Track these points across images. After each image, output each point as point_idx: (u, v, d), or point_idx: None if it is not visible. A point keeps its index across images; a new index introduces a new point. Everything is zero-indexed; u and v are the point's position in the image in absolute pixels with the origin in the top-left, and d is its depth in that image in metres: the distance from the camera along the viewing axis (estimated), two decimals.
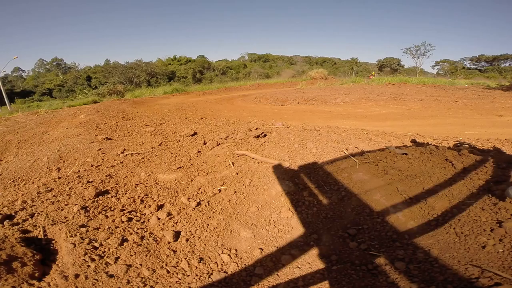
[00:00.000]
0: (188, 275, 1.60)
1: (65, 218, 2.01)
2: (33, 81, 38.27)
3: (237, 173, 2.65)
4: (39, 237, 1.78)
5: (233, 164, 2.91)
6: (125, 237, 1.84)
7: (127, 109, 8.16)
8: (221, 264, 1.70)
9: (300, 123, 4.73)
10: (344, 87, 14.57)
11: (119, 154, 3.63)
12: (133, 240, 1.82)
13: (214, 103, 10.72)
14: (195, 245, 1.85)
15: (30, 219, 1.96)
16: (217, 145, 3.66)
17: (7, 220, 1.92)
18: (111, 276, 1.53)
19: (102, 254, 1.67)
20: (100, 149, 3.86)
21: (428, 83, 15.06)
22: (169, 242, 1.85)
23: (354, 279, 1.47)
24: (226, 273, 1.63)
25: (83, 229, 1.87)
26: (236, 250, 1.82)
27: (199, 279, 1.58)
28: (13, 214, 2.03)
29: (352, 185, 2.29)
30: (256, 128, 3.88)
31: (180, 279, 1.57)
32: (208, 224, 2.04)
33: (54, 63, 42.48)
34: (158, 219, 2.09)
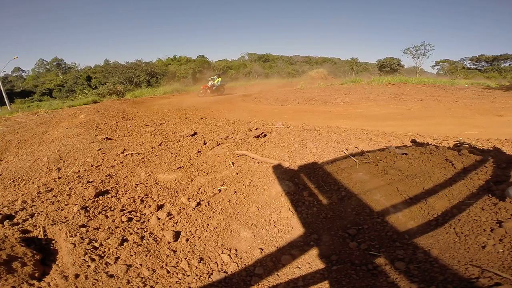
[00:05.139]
0: (188, 275, 1.60)
1: (65, 218, 2.01)
2: (33, 81, 38.28)
3: (237, 173, 2.65)
4: (39, 237, 1.78)
5: (233, 164, 2.92)
6: (125, 237, 1.84)
7: (127, 109, 8.16)
8: (221, 264, 1.70)
9: (300, 123, 4.73)
10: (344, 87, 14.56)
11: (119, 154, 3.63)
12: (133, 240, 1.82)
13: (214, 103, 10.71)
14: (195, 245, 1.85)
15: (30, 219, 1.96)
16: (217, 145, 3.66)
17: (7, 220, 1.92)
18: (111, 276, 1.53)
19: (102, 254, 1.67)
20: (100, 149, 3.85)
21: (428, 83, 15.02)
22: (169, 242, 1.85)
23: (354, 279, 1.47)
24: (226, 273, 1.63)
25: (83, 229, 1.87)
26: (236, 250, 1.82)
27: (199, 279, 1.58)
28: (13, 214, 2.03)
29: (352, 185, 2.29)
30: (256, 128, 3.88)
31: (180, 279, 1.57)
32: (208, 224, 2.04)
33: (54, 63, 42.49)
34: (158, 219, 2.09)
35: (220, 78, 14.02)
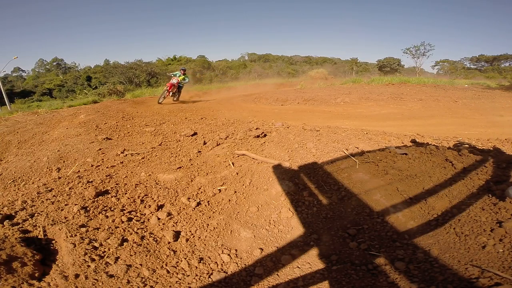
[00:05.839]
0: (188, 275, 1.60)
1: (65, 218, 2.01)
2: (33, 81, 38.32)
3: (237, 173, 2.65)
4: (39, 237, 1.78)
5: (233, 164, 2.92)
6: (125, 237, 1.84)
7: (127, 109, 8.15)
8: (221, 264, 1.70)
9: (300, 123, 4.73)
10: (344, 87, 14.56)
11: (119, 154, 3.63)
12: (133, 240, 1.82)
13: (214, 103, 10.71)
14: (195, 245, 1.85)
15: (30, 219, 1.96)
16: (217, 145, 3.66)
17: (7, 220, 1.92)
18: (111, 276, 1.53)
19: (102, 254, 1.67)
20: (100, 149, 3.85)
21: (428, 83, 15.03)
22: (169, 242, 1.85)
23: (354, 279, 1.47)
24: (226, 273, 1.63)
25: (83, 229, 1.87)
26: (236, 250, 1.82)
27: (199, 279, 1.58)
28: (13, 214, 2.03)
29: (352, 185, 2.29)
30: (256, 128, 3.88)
31: (180, 279, 1.57)
32: (208, 224, 2.04)
33: (54, 63, 42.51)
34: (158, 219, 2.09)
35: (186, 77, 10.40)
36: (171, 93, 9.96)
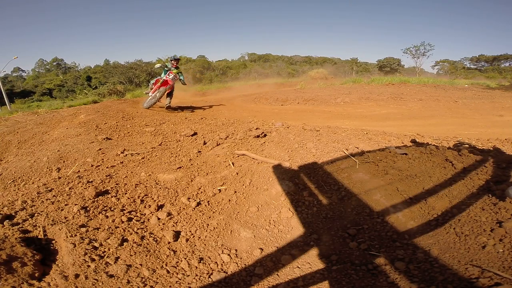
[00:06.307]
0: (188, 275, 1.60)
1: (65, 218, 2.01)
2: (33, 81, 38.36)
3: (237, 173, 2.65)
4: (39, 237, 1.78)
5: (233, 164, 2.92)
6: (125, 237, 1.84)
7: (127, 109, 8.14)
8: (221, 264, 1.70)
9: (300, 123, 4.73)
10: (344, 87, 14.56)
11: (119, 154, 3.63)
12: (133, 240, 1.82)
13: (214, 103, 10.71)
14: (195, 245, 1.85)
15: (30, 219, 1.96)
16: (217, 145, 3.66)
17: (7, 220, 1.92)
18: (111, 276, 1.53)
19: (102, 254, 1.67)
20: (100, 149, 3.85)
21: (428, 83, 15.05)
22: (169, 242, 1.85)
23: (354, 279, 1.47)
24: (226, 273, 1.63)
25: (83, 229, 1.87)
26: (236, 250, 1.82)
27: (199, 279, 1.58)
28: (13, 214, 2.03)
29: (352, 185, 2.29)
30: (256, 128, 3.88)
31: (180, 279, 1.57)
32: (208, 224, 2.04)
33: (54, 63, 42.56)
34: (158, 219, 2.09)
35: (181, 74, 7.54)
36: (166, 93, 7.30)
